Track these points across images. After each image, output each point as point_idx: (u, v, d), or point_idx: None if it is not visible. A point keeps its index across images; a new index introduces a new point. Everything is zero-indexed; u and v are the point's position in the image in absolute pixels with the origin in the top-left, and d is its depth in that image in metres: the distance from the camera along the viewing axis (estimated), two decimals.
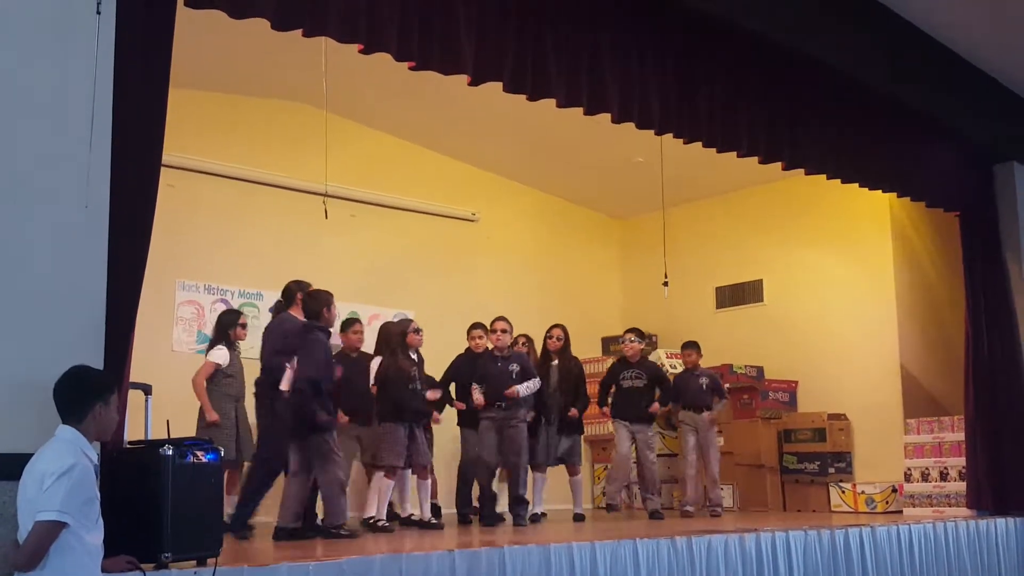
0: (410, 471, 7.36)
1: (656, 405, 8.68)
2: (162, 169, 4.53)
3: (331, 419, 6.40)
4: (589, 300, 11.55)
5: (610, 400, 8.81)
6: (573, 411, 8.41)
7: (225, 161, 9.11)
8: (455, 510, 8.16)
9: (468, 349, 8.24)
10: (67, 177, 4.08)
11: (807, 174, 8.05)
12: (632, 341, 8.80)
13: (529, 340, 8.64)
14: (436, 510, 7.91)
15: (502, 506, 7.93)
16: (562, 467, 8.61)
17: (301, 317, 6.75)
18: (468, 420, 8.03)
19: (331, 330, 6.71)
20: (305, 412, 6.24)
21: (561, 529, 7.46)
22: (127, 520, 3.81)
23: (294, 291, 7.00)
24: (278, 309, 7.30)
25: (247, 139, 9.31)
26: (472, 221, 10.94)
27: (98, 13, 4.20)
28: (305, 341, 6.47)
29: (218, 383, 7.43)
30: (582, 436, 8.87)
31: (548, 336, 8.60)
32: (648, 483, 8.58)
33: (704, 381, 9.09)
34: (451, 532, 7.07)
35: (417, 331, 7.36)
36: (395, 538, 6.45)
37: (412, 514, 7.43)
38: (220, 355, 7.50)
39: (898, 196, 9.08)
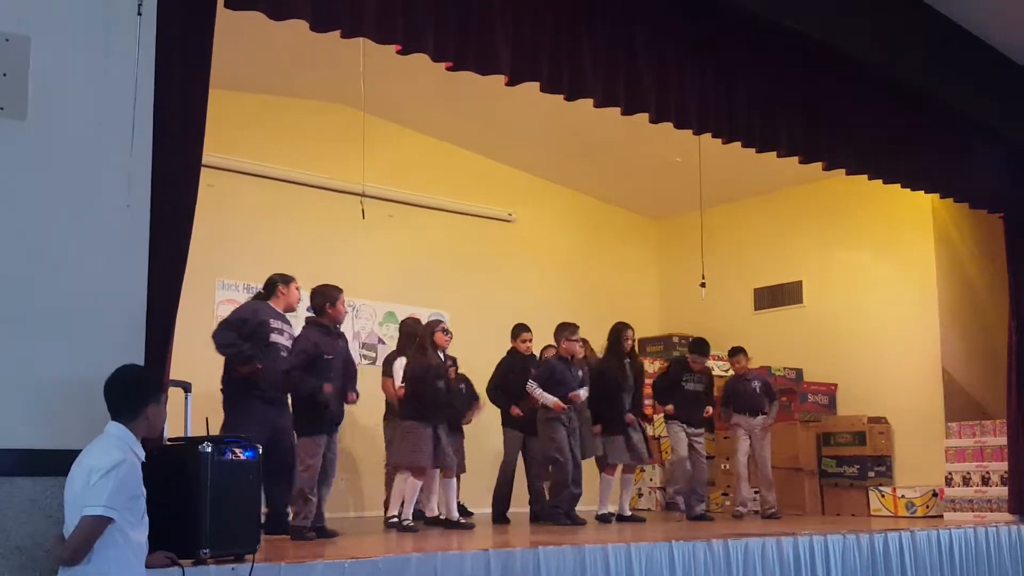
0: (437, 471, 7.30)
1: (710, 409, 8.81)
2: (202, 169, 4.58)
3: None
4: (625, 301, 11.48)
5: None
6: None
7: (264, 161, 9.18)
8: (490, 509, 8.18)
9: (514, 351, 8.23)
10: (108, 177, 4.14)
11: (848, 174, 7.97)
12: (700, 359, 8.82)
13: (585, 342, 8.60)
14: (463, 509, 7.91)
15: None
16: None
17: (278, 308, 6.52)
18: (511, 421, 8.02)
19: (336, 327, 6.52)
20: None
21: (595, 530, 7.44)
22: (166, 516, 3.83)
23: (275, 283, 6.59)
24: (256, 299, 6.87)
25: (286, 140, 9.37)
26: (508, 221, 10.94)
27: (139, 14, 4.25)
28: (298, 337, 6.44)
29: None
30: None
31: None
32: (700, 485, 8.61)
33: (757, 384, 9.16)
34: (483, 531, 7.07)
35: (445, 331, 7.31)
36: (426, 537, 6.44)
37: (440, 514, 7.38)
38: None
39: (941, 197, 8.97)
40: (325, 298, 6.40)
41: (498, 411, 8.31)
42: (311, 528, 6.09)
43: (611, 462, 8.19)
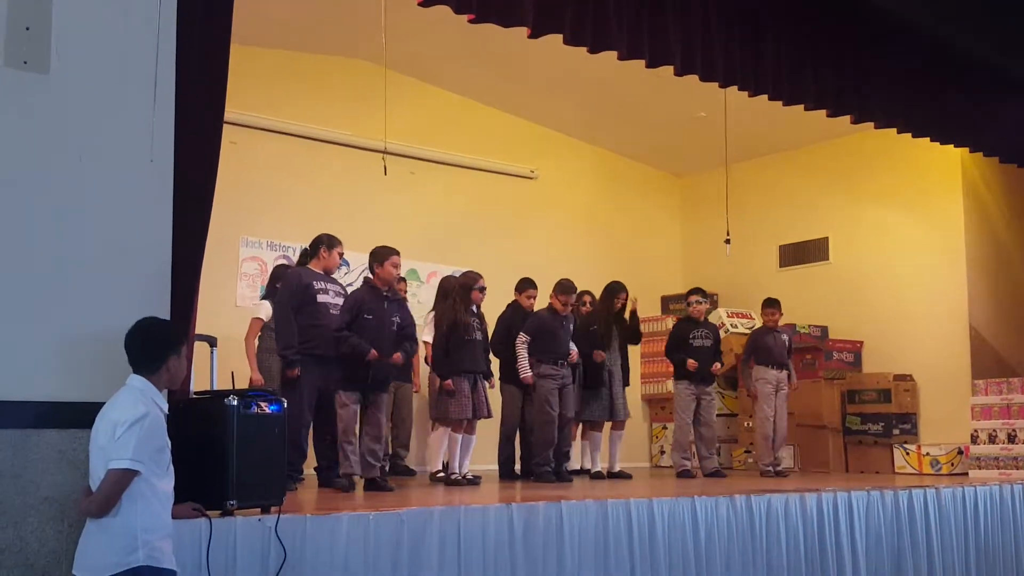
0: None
1: (718, 365, 8.66)
2: (224, 126, 4.57)
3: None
4: (649, 259, 11.46)
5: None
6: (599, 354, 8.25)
7: (286, 118, 9.16)
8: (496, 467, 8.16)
9: (516, 304, 8.21)
10: (132, 132, 4.14)
11: (877, 128, 7.87)
12: (699, 303, 8.75)
13: (594, 298, 8.58)
14: None
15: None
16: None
17: (317, 270, 6.66)
18: (511, 377, 7.99)
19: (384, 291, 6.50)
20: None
21: (618, 486, 7.47)
22: (193, 468, 3.88)
23: (318, 245, 6.73)
24: (303, 259, 7.04)
25: (308, 96, 9.33)
26: (531, 179, 10.88)
27: None
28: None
29: (263, 337, 7.38)
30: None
31: (580, 304, 8.39)
32: (709, 442, 8.56)
33: (785, 339, 9.07)
34: (492, 488, 7.04)
35: (482, 289, 7.31)
36: (447, 492, 6.47)
37: (439, 471, 7.36)
38: (263, 310, 7.42)
39: (970, 151, 8.85)
40: (374, 259, 6.46)
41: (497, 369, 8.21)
42: (341, 475, 6.23)
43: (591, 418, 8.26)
